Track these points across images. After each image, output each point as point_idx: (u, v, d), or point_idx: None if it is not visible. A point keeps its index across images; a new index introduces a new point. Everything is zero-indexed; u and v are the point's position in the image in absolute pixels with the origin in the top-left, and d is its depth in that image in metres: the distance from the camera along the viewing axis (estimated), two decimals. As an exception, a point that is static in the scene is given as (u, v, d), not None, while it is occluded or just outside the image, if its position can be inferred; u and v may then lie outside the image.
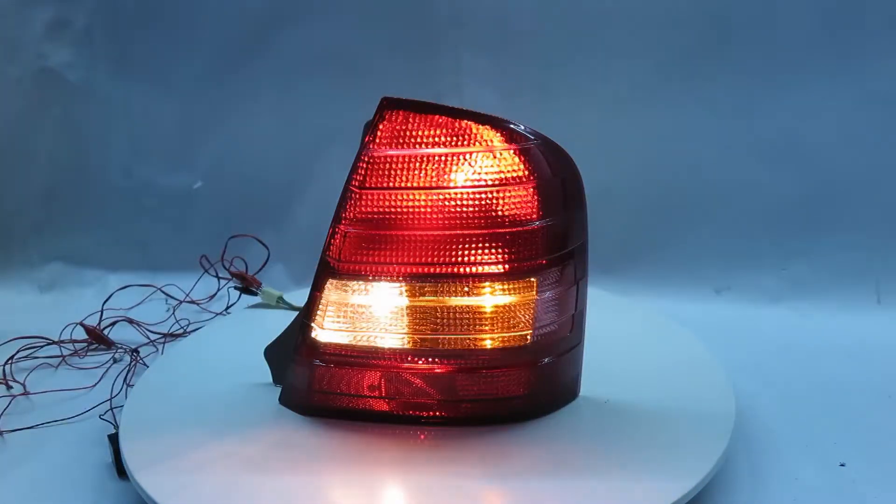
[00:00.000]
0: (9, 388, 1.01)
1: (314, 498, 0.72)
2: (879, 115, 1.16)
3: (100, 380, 1.02)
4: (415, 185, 0.73)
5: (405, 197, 0.73)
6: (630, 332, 0.98)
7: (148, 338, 1.13)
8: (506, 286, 0.75)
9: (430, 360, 0.78)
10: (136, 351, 1.09)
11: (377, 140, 0.73)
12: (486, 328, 0.77)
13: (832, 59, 1.15)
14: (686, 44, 1.19)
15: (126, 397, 0.91)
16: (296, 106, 1.30)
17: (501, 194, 0.72)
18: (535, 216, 0.73)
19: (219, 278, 1.20)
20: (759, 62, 1.18)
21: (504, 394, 0.79)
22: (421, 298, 0.76)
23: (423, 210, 0.73)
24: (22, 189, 1.37)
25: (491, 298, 0.76)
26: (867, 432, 0.87)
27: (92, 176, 1.37)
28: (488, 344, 0.77)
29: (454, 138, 0.72)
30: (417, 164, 0.73)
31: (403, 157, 0.73)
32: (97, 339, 1.11)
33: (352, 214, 0.74)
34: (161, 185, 1.36)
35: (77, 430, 0.92)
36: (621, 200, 1.23)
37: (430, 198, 0.73)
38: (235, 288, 1.16)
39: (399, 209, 0.73)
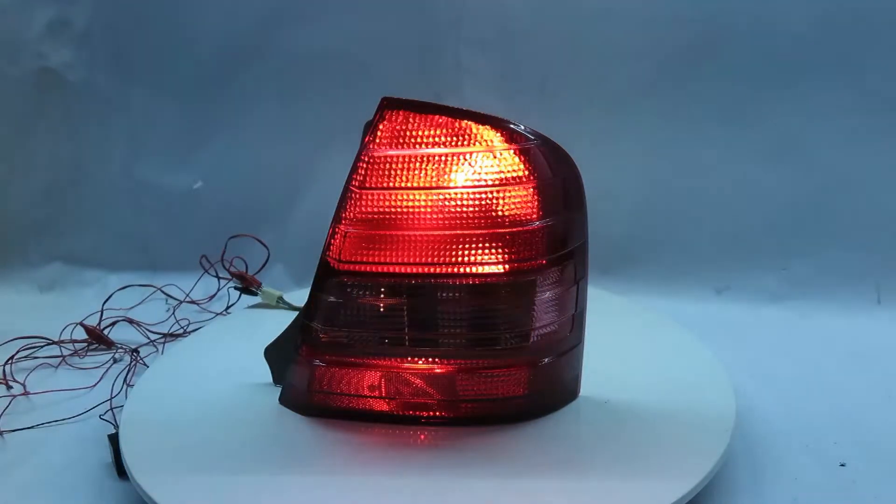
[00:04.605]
0: (9, 388, 1.01)
1: (314, 498, 0.72)
2: (879, 116, 1.16)
3: (100, 380, 1.02)
4: (415, 185, 0.73)
5: (405, 197, 0.73)
6: (630, 332, 0.98)
7: (148, 338, 1.13)
8: (506, 286, 0.75)
9: (430, 360, 0.78)
10: (136, 351, 1.09)
11: (377, 140, 0.73)
12: (487, 328, 0.77)
13: (832, 59, 1.15)
14: (686, 43, 1.18)
15: (126, 397, 0.91)
16: (296, 106, 1.30)
17: (501, 194, 0.72)
18: (535, 216, 0.73)
19: (219, 278, 1.20)
20: (759, 62, 1.17)
21: (504, 394, 0.79)
22: (421, 298, 0.76)
23: (423, 210, 0.73)
24: (22, 189, 1.37)
25: (491, 299, 0.76)
26: (867, 432, 0.87)
27: (92, 176, 1.37)
28: (488, 344, 0.77)
29: (454, 138, 0.72)
30: (417, 164, 0.73)
31: (403, 157, 0.73)
32: (97, 339, 1.11)
33: (352, 214, 0.74)
34: (161, 185, 1.36)
35: (77, 430, 0.92)
36: (621, 200, 1.23)
37: (430, 198, 0.73)
38: (235, 288, 1.16)
39: (399, 209, 0.73)
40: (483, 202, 0.72)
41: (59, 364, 1.08)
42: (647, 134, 1.23)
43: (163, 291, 1.25)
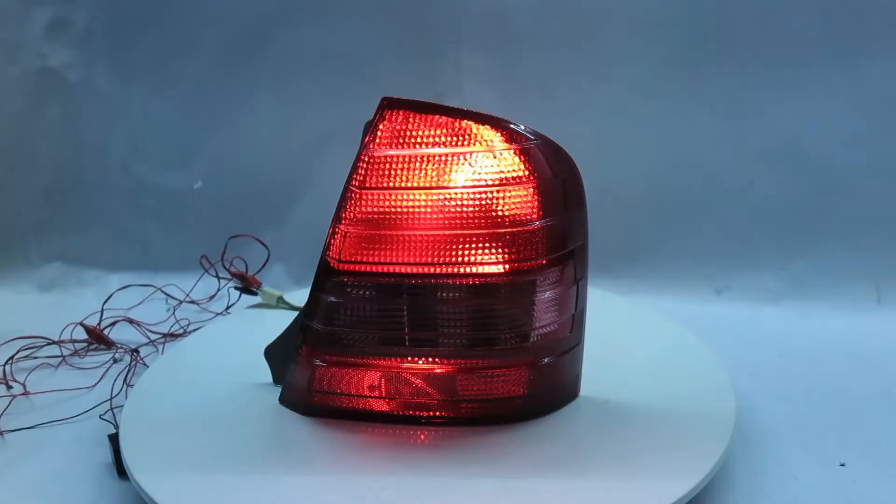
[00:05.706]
0: (9, 388, 1.01)
1: (313, 498, 0.72)
2: (879, 115, 1.16)
3: (100, 380, 1.02)
4: (415, 185, 0.73)
5: (405, 197, 0.73)
6: (630, 332, 0.98)
7: (148, 338, 1.13)
8: (506, 286, 0.75)
9: (430, 360, 0.78)
10: (136, 351, 1.09)
11: (377, 140, 0.73)
12: (487, 328, 0.77)
13: (832, 59, 1.15)
14: (686, 44, 1.19)
15: (126, 397, 0.91)
16: (296, 106, 1.30)
17: (501, 194, 0.72)
18: (535, 216, 0.73)
19: (219, 278, 1.20)
20: (759, 62, 1.18)
21: (504, 394, 0.79)
22: (421, 298, 0.76)
23: (423, 210, 0.73)
24: (22, 189, 1.37)
25: (491, 298, 0.76)
26: (867, 432, 0.87)
27: (92, 176, 1.37)
28: (488, 344, 0.77)
29: (454, 138, 0.72)
30: (417, 164, 0.73)
31: (403, 157, 0.73)
32: (97, 339, 1.11)
33: (352, 214, 0.74)
34: (161, 185, 1.36)
35: (77, 430, 0.92)
36: (621, 200, 1.23)
37: (430, 198, 0.73)
38: (235, 288, 1.16)
39: (399, 209, 0.73)
40: (483, 202, 0.72)
41: (59, 364, 1.08)
42: (647, 134, 1.23)
43: (163, 291, 1.25)
